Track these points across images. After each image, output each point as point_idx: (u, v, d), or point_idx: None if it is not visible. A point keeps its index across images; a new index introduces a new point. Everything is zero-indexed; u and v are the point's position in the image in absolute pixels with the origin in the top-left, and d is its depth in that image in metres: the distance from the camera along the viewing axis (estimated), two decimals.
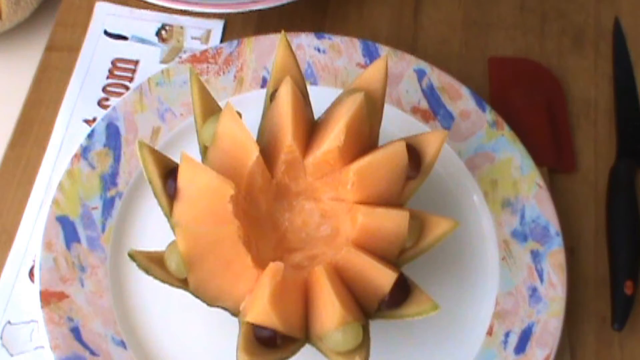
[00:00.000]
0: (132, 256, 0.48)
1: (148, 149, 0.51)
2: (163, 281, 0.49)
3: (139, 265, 0.48)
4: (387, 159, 0.50)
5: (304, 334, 0.48)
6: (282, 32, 0.54)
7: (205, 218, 0.49)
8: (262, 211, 0.52)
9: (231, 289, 0.48)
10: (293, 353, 0.47)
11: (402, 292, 0.48)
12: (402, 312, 0.48)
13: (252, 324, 0.47)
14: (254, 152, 0.50)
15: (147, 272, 0.48)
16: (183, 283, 0.49)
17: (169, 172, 0.51)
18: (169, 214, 0.50)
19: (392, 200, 0.51)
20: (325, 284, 0.46)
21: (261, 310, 0.46)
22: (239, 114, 0.51)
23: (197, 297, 0.49)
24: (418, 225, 0.50)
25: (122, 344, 0.53)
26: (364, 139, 0.51)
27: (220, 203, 0.49)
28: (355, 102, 0.50)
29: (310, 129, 0.53)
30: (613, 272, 0.58)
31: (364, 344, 0.47)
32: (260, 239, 0.51)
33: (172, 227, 0.50)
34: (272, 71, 0.53)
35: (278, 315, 0.46)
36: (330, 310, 0.46)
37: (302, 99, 0.52)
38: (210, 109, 0.53)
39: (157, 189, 0.50)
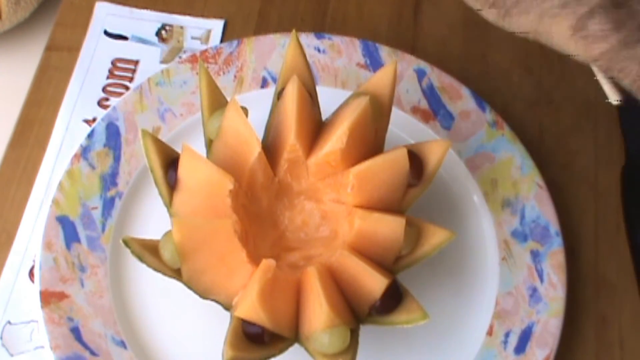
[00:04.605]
0: (126, 242, 0.48)
1: (151, 137, 0.51)
2: (156, 269, 0.49)
3: (133, 252, 0.48)
4: (387, 164, 0.50)
5: (294, 334, 0.48)
6: (293, 31, 0.54)
7: (203, 210, 0.49)
8: (263, 208, 0.52)
9: (224, 282, 0.48)
10: (281, 351, 0.47)
11: (393, 299, 0.48)
12: (391, 319, 0.48)
13: (242, 319, 0.47)
14: (256, 149, 0.50)
15: (141, 259, 0.48)
16: (176, 273, 0.49)
17: (170, 162, 0.51)
18: (168, 203, 0.51)
19: (392, 206, 0.50)
20: (316, 285, 0.46)
21: (249, 306, 0.46)
22: (246, 110, 0.51)
23: (190, 288, 0.49)
24: (415, 233, 0.50)
25: (122, 344, 0.53)
26: (367, 142, 0.51)
27: (219, 196, 0.49)
28: (360, 105, 0.50)
29: (317, 129, 0.53)
30: (638, 271, 0.57)
31: (351, 347, 0.47)
32: (259, 235, 0.51)
33: (171, 217, 0.50)
34: (282, 69, 0.53)
35: (266, 312, 0.46)
36: (318, 312, 0.46)
37: (309, 99, 0.52)
38: (217, 102, 0.53)
39: (158, 178, 0.51)
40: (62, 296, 0.53)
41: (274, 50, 0.63)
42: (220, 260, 0.48)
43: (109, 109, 0.60)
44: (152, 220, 0.57)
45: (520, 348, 0.54)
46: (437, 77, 0.62)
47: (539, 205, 0.58)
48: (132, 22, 0.67)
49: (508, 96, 0.65)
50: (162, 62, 0.65)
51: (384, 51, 0.63)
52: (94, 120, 0.62)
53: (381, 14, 0.69)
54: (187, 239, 0.47)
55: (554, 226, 0.57)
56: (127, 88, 0.64)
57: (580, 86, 0.66)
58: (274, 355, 0.47)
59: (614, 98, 0.48)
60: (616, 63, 0.44)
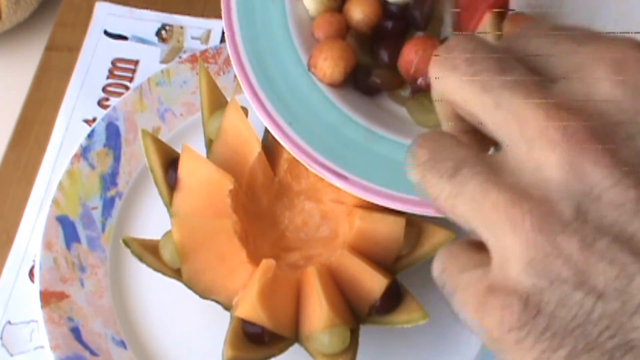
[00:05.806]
0: (126, 242, 0.48)
1: (151, 137, 0.51)
2: (156, 269, 0.49)
3: (133, 252, 0.48)
4: None
5: (294, 333, 0.48)
6: None
7: (203, 210, 0.50)
8: (263, 208, 0.52)
9: (225, 282, 0.48)
10: (281, 351, 0.47)
11: (393, 298, 0.48)
12: (391, 319, 0.48)
13: (242, 319, 0.47)
14: (256, 149, 0.50)
15: (141, 259, 0.49)
16: (176, 273, 0.49)
17: (171, 162, 0.51)
18: (168, 203, 0.51)
19: None
20: (316, 285, 0.46)
21: (249, 306, 0.46)
22: (246, 110, 0.51)
23: (190, 288, 0.49)
24: (416, 233, 0.50)
25: (122, 344, 0.53)
26: None
27: (219, 196, 0.49)
28: None
29: None
30: None
31: (351, 347, 0.47)
32: (259, 235, 0.51)
33: (171, 217, 0.50)
34: None
35: (266, 312, 0.46)
36: (318, 311, 0.46)
37: None
38: (217, 102, 0.53)
39: (158, 178, 0.51)
40: (62, 296, 0.53)
41: None
42: (220, 260, 0.48)
43: (109, 109, 0.60)
44: (152, 220, 0.57)
45: None
46: None
47: None
48: (132, 22, 0.67)
49: None
50: (162, 62, 0.65)
51: None
52: (94, 120, 0.62)
53: None
54: (187, 238, 0.47)
55: None
56: (127, 88, 0.64)
57: None
58: (274, 355, 0.47)
59: None
60: None
